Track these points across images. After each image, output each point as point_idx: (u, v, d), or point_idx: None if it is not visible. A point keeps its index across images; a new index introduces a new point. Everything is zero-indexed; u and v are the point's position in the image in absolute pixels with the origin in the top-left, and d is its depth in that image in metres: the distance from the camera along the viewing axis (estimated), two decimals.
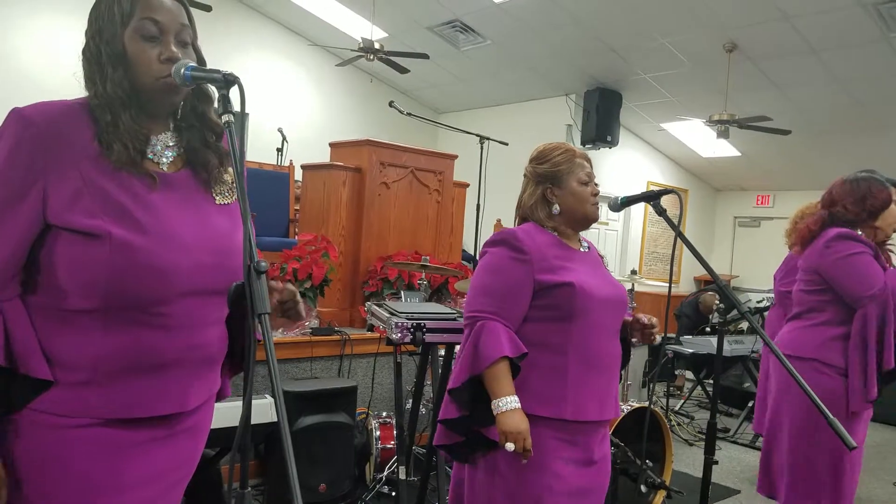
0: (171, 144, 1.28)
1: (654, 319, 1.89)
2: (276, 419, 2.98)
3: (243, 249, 1.14)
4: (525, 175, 1.96)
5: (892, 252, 2.63)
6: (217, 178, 1.33)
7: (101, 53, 1.20)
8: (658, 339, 1.91)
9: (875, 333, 2.39)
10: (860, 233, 2.49)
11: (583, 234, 2.00)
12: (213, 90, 1.29)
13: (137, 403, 1.20)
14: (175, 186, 1.26)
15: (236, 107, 1.22)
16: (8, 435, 1.17)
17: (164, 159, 1.27)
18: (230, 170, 1.35)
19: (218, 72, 1.25)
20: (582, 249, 1.93)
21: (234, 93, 1.23)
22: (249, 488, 1.22)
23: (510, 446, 1.65)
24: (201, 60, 1.29)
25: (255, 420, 2.74)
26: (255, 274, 1.12)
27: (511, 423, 1.67)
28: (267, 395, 2.99)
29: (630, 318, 1.93)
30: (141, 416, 1.21)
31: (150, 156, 1.25)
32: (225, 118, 1.23)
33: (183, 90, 1.25)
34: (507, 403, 1.68)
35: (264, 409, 2.79)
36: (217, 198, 1.32)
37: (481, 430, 1.76)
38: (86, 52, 1.23)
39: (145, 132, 1.24)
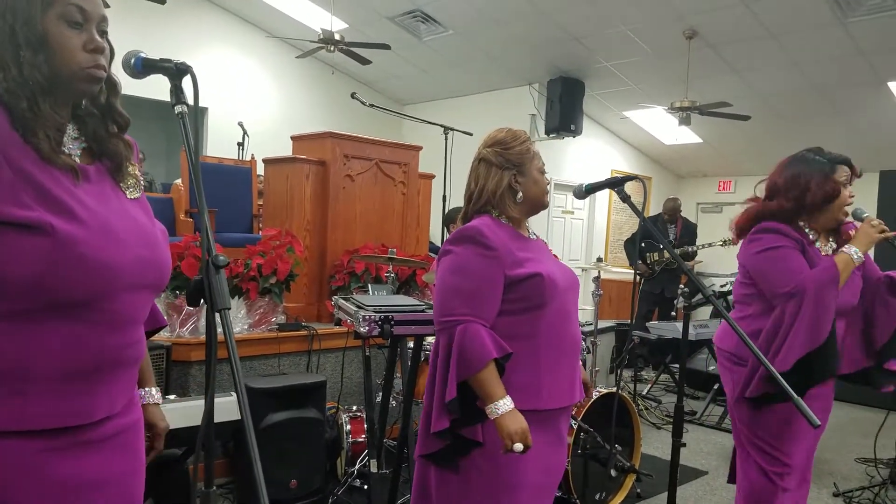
0: (75, 136, 1.21)
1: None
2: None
3: (201, 244, 1.11)
4: (485, 160, 1.90)
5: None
6: (125, 170, 1.27)
7: (15, 34, 1.11)
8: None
9: (787, 331, 2.19)
10: (788, 224, 2.32)
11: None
12: (119, 80, 1.25)
13: (78, 410, 1.14)
14: (92, 180, 1.20)
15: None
16: None
17: (76, 152, 1.21)
18: (135, 163, 1.30)
19: (170, 61, 1.22)
20: (532, 237, 1.96)
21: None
22: (215, 487, 1.20)
23: (518, 447, 1.63)
24: (113, 52, 1.23)
25: (221, 418, 2.69)
26: (213, 269, 1.10)
27: (512, 424, 1.65)
28: (232, 393, 2.94)
29: None
30: (80, 423, 1.15)
31: (62, 148, 1.18)
32: (178, 109, 1.20)
33: (102, 81, 1.20)
34: (504, 406, 1.67)
35: (230, 407, 2.74)
36: (127, 192, 1.26)
37: (465, 432, 1.74)
38: None
39: (62, 122, 1.17)
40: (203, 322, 3.42)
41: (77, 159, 1.20)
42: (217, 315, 1.10)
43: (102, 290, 1.13)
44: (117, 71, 1.26)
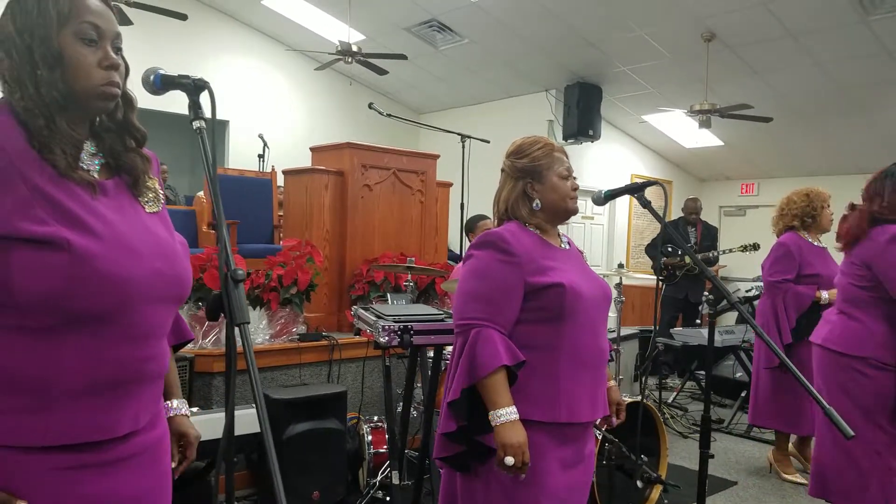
0: (93, 152, 1.22)
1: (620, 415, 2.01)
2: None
3: (219, 257, 1.11)
4: (503, 170, 1.92)
5: None
6: (143, 184, 1.27)
7: (31, 52, 1.12)
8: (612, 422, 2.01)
9: None
10: None
11: (569, 228, 1.99)
12: (135, 95, 1.26)
13: (101, 425, 1.13)
14: (110, 195, 1.20)
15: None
16: None
17: (94, 167, 1.21)
18: (153, 177, 1.30)
19: (188, 77, 1.22)
20: (563, 247, 1.91)
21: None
22: (236, 502, 1.19)
23: (510, 460, 1.62)
24: (128, 68, 1.24)
25: (243, 430, 2.70)
26: (231, 283, 1.10)
27: (511, 436, 1.63)
28: (253, 405, 2.94)
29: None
30: (104, 438, 1.14)
31: (80, 164, 1.18)
32: (196, 124, 1.21)
33: (117, 99, 1.21)
34: (507, 415, 1.65)
35: (252, 419, 2.74)
36: (146, 206, 1.26)
37: (480, 438, 1.72)
38: (9, 49, 1.13)
39: (78, 138, 1.18)
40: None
41: (95, 175, 1.20)
42: (236, 329, 1.10)
43: (120, 304, 1.13)
44: (135, 86, 1.27)
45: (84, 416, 1.11)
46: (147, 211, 1.26)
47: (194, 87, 1.21)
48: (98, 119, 1.23)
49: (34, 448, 1.08)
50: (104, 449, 1.15)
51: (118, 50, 1.21)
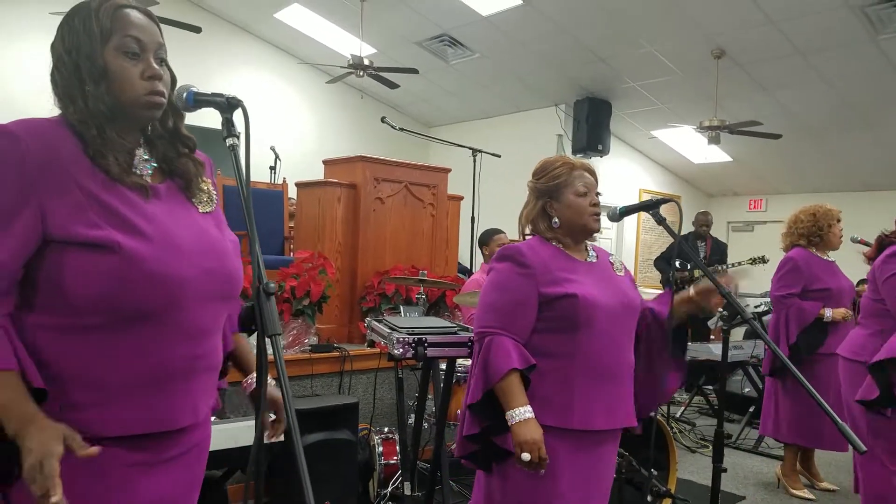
0: (146, 158, 1.28)
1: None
2: (279, 440, 2.96)
3: (252, 272, 1.14)
4: (528, 190, 2.00)
5: None
6: (196, 186, 1.33)
7: (79, 69, 1.19)
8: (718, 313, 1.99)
9: None
10: None
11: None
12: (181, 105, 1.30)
13: (160, 417, 1.20)
14: (162, 197, 1.26)
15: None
16: None
17: (147, 171, 1.26)
18: (207, 179, 1.36)
19: (221, 96, 1.25)
20: (588, 259, 1.94)
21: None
22: None
23: (526, 456, 1.68)
24: (174, 78, 1.30)
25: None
26: (264, 295, 1.13)
27: (526, 433, 1.70)
28: (271, 415, 2.97)
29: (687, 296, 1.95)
30: (165, 429, 1.20)
31: (133, 170, 1.24)
32: (229, 142, 1.24)
33: (163, 108, 1.26)
34: (521, 414, 1.72)
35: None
36: (199, 206, 1.32)
37: (495, 439, 1.80)
38: (60, 67, 1.21)
39: (129, 146, 1.24)
40: None
41: (148, 178, 1.26)
42: (268, 340, 1.13)
43: (170, 303, 1.18)
44: None
45: (142, 409, 1.17)
46: (200, 211, 1.32)
47: (228, 105, 1.24)
48: (151, 127, 1.29)
49: (102, 439, 1.13)
50: (164, 445, 1.21)
51: (162, 61, 1.26)
